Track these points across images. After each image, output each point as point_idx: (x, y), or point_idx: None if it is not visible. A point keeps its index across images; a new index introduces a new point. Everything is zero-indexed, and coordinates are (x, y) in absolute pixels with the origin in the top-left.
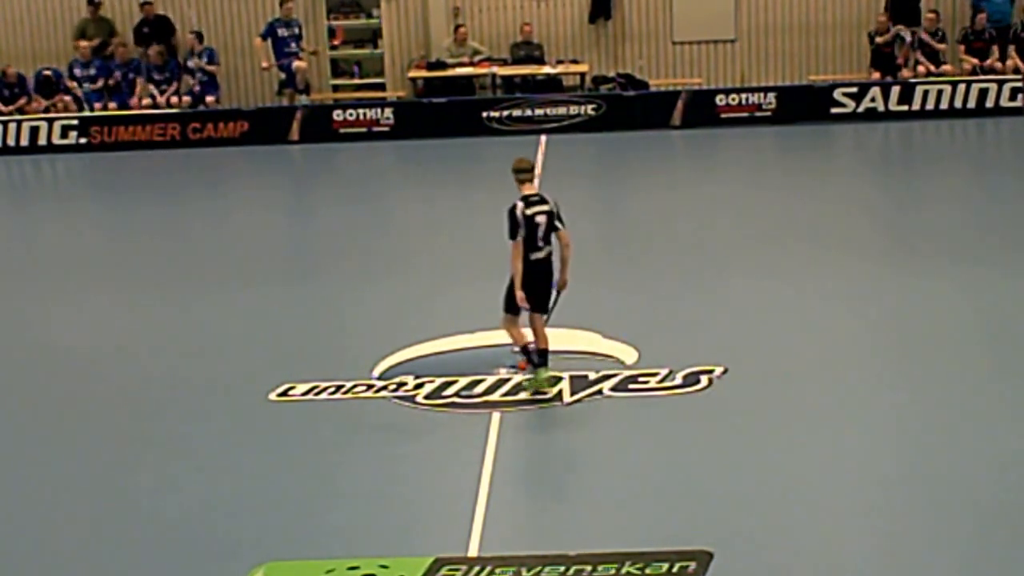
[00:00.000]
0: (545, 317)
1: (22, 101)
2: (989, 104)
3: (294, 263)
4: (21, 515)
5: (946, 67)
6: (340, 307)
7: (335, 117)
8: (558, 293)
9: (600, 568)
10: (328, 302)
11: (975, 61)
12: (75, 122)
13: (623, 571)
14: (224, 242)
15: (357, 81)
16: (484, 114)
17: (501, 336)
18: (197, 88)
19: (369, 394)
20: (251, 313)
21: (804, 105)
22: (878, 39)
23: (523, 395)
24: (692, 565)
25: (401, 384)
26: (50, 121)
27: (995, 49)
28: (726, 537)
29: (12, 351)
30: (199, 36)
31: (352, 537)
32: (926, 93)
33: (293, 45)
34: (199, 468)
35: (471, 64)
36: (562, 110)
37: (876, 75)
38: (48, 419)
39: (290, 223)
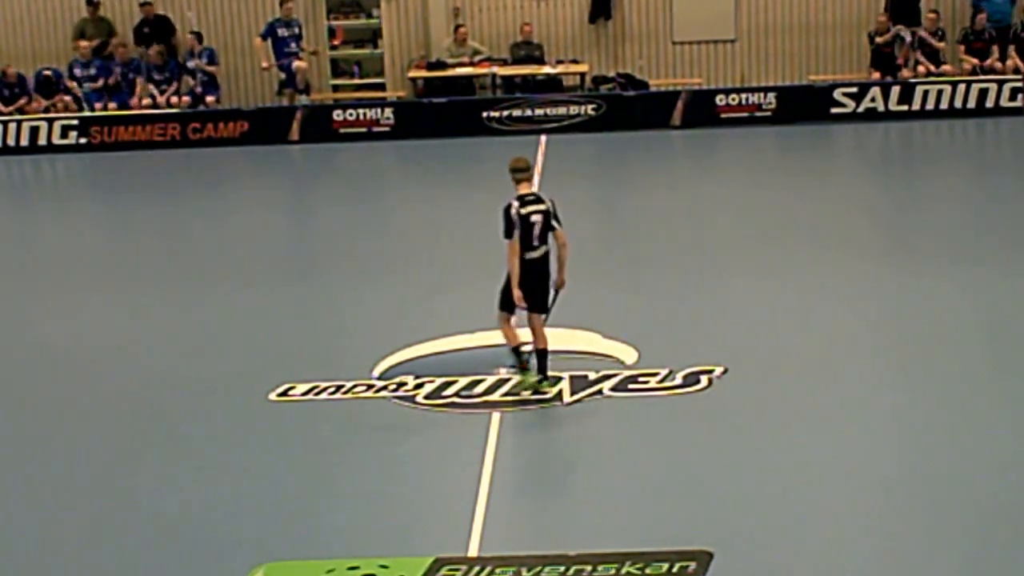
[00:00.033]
0: (544, 317)
1: (22, 101)
2: (989, 104)
3: (294, 263)
4: (21, 515)
5: (946, 67)
6: (340, 307)
7: (335, 117)
8: (556, 293)
9: (600, 568)
10: (328, 302)
11: (975, 61)
12: (75, 122)
13: (623, 571)
14: (224, 242)
15: (357, 81)
16: (484, 114)
17: (501, 336)
18: (199, 89)
19: (369, 394)
20: (251, 313)
21: (804, 105)
22: (878, 39)
23: (524, 395)
24: (692, 565)
25: (401, 384)
26: (50, 121)
27: (995, 49)
28: (726, 537)
29: (12, 351)
30: (199, 36)
31: (352, 537)
32: (926, 93)
33: (293, 45)
34: (199, 468)
35: (471, 64)
36: (562, 110)
37: (876, 75)
38: (48, 419)
39: (290, 223)
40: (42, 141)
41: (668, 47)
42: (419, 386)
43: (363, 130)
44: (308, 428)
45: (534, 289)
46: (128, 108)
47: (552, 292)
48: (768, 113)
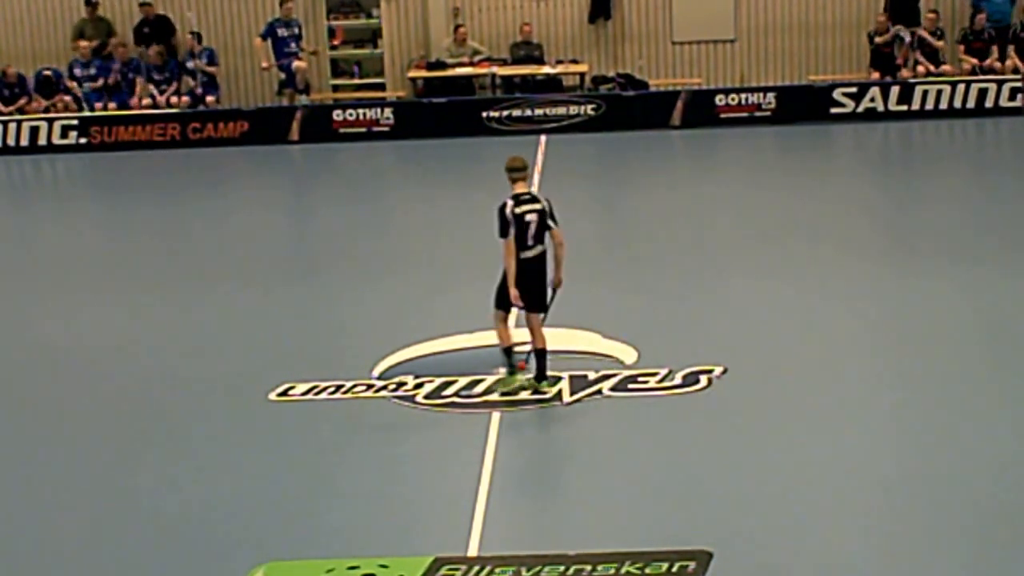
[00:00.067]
0: (543, 316)
1: (22, 101)
2: (988, 104)
3: (294, 263)
4: (21, 515)
5: (945, 67)
6: (340, 307)
7: (335, 117)
8: (554, 292)
9: (600, 568)
10: (328, 302)
11: (975, 61)
12: (75, 122)
13: (623, 571)
14: (224, 242)
15: (357, 81)
16: (484, 114)
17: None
18: (199, 90)
19: (369, 394)
20: (251, 313)
21: (804, 105)
22: (878, 39)
23: (524, 395)
24: (692, 565)
25: (401, 384)
26: (50, 121)
27: (995, 49)
28: (726, 537)
29: (12, 351)
30: (199, 37)
31: (352, 537)
32: (925, 93)
33: (293, 45)
34: (199, 468)
35: (471, 64)
36: (562, 110)
37: (876, 75)
38: (48, 419)
39: (290, 223)
40: (42, 141)
41: (668, 47)
42: (419, 386)
43: (363, 130)
44: (308, 428)
45: (531, 288)
46: (128, 108)
47: (550, 291)
48: (768, 113)
